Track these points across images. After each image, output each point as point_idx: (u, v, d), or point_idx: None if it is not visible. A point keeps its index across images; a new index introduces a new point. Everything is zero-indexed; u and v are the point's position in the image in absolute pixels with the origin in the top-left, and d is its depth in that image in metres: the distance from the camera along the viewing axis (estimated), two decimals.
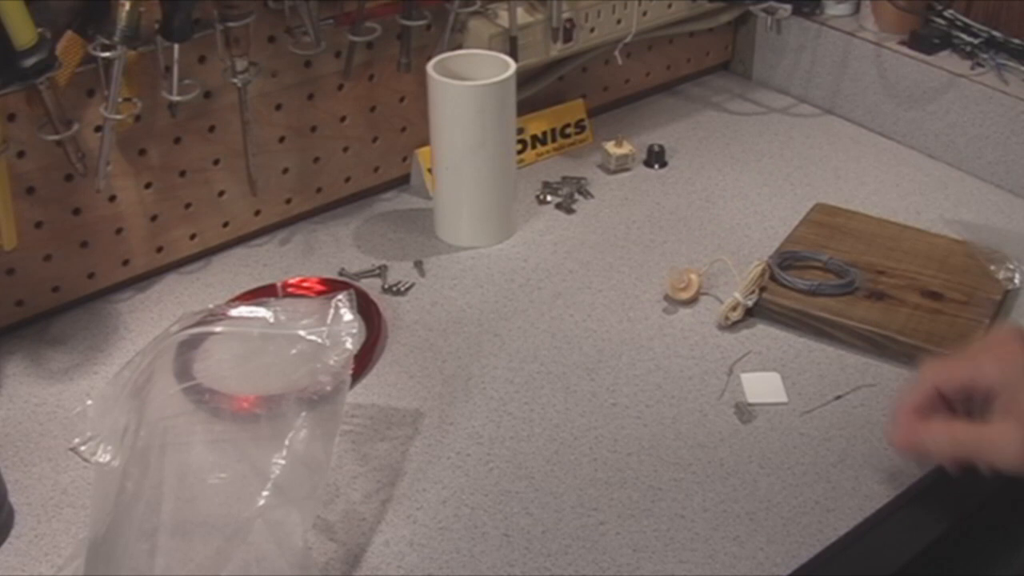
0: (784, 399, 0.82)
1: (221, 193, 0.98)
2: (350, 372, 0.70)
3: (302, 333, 0.71)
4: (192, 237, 0.98)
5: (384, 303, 0.93)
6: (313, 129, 1.01)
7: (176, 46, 0.85)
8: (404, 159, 1.09)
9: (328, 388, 0.69)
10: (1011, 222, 1.04)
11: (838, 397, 0.83)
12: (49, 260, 0.90)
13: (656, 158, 1.14)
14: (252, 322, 0.73)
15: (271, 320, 0.72)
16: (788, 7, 1.16)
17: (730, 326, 0.90)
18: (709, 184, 1.11)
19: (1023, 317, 0.91)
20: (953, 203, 1.07)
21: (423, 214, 1.05)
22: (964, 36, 1.13)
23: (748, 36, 1.30)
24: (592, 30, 1.10)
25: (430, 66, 0.96)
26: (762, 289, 0.90)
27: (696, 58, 1.29)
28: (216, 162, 0.96)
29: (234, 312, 0.74)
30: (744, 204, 1.07)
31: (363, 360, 0.85)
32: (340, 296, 0.72)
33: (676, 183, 1.11)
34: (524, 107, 1.08)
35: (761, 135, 1.20)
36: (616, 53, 1.12)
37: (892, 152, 1.16)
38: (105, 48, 0.81)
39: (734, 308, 0.89)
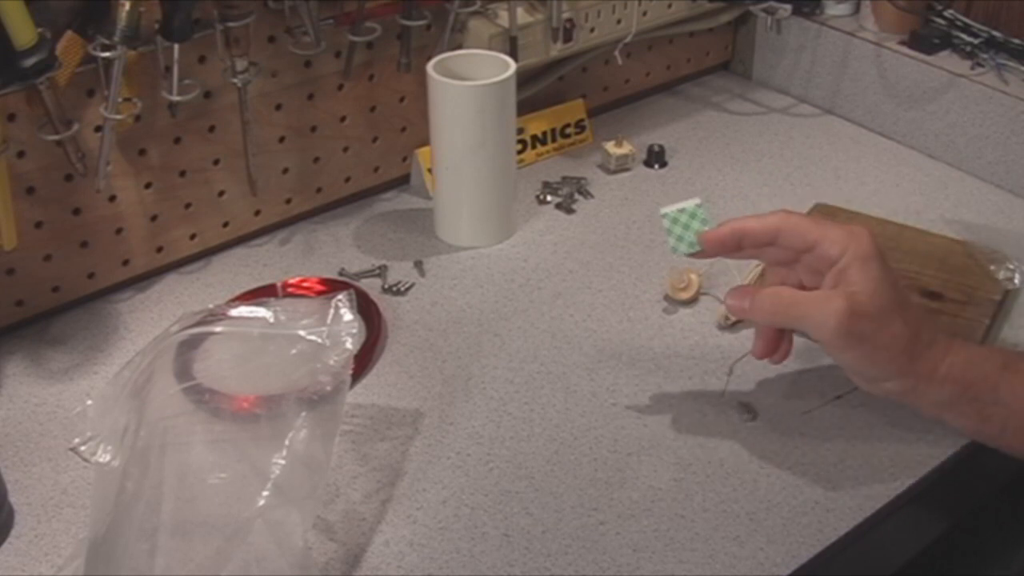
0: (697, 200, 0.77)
1: (221, 193, 0.98)
2: (350, 372, 0.70)
3: (302, 333, 0.71)
4: (192, 237, 0.98)
5: (384, 303, 0.93)
6: (313, 129, 1.01)
7: (176, 46, 0.85)
8: (404, 159, 1.09)
9: (328, 388, 0.69)
10: (1011, 222, 1.04)
11: (838, 397, 0.83)
12: (49, 260, 0.90)
13: (656, 158, 1.14)
14: (252, 322, 0.73)
15: (271, 320, 0.72)
16: (788, 7, 1.16)
17: (730, 326, 0.90)
18: (709, 184, 1.11)
19: (1023, 317, 0.91)
20: (953, 203, 1.07)
21: (423, 214, 1.05)
22: (964, 36, 1.13)
23: (748, 36, 1.30)
24: (592, 30, 1.10)
25: (430, 66, 0.96)
26: None
27: (696, 58, 1.29)
28: (216, 162, 0.96)
29: (234, 312, 0.74)
30: (744, 204, 1.07)
31: (363, 360, 0.85)
32: (340, 296, 0.72)
33: (676, 183, 1.11)
34: (524, 107, 1.08)
35: (761, 135, 1.20)
36: (616, 53, 1.12)
37: (892, 152, 1.16)
38: (105, 48, 0.81)
39: None
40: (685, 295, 0.92)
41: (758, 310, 0.73)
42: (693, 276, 0.92)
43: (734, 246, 0.74)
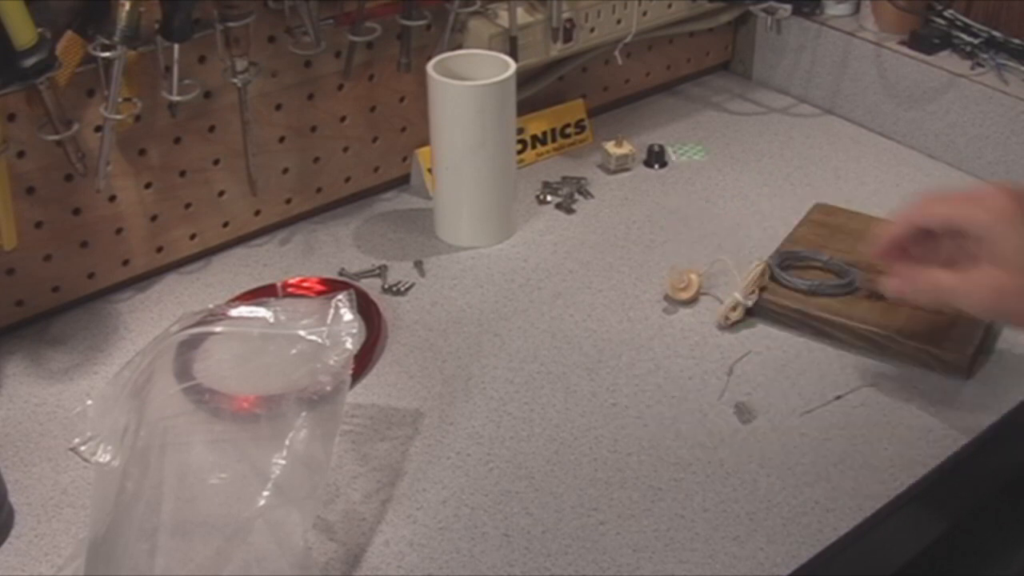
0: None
1: (221, 193, 0.98)
2: (350, 372, 0.70)
3: (302, 333, 0.71)
4: (192, 237, 0.98)
5: (384, 303, 0.93)
6: (313, 129, 1.01)
7: (176, 46, 0.85)
8: (404, 159, 1.09)
9: (328, 388, 0.69)
10: None
11: (838, 397, 0.83)
12: (49, 260, 0.90)
13: (656, 158, 1.14)
14: (252, 322, 0.73)
15: (271, 320, 0.72)
16: (788, 7, 1.16)
17: (730, 326, 0.90)
18: (709, 184, 1.11)
19: None
20: None
21: (423, 214, 1.05)
22: (964, 36, 1.13)
23: (748, 36, 1.30)
24: (592, 30, 1.10)
25: (430, 66, 0.96)
26: (762, 289, 0.90)
27: (696, 58, 1.29)
28: (216, 162, 0.96)
29: (234, 312, 0.74)
30: (744, 204, 1.07)
31: (363, 360, 0.85)
32: (340, 296, 0.72)
33: (676, 183, 1.11)
34: (524, 107, 1.08)
35: (761, 135, 1.20)
36: (616, 53, 1.12)
37: (892, 152, 1.16)
38: (105, 48, 0.81)
39: (734, 308, 0.89)
40: (685, 295, 0.92)
41: (919, 295, 0.78)
42: (693, 276, 0.92)
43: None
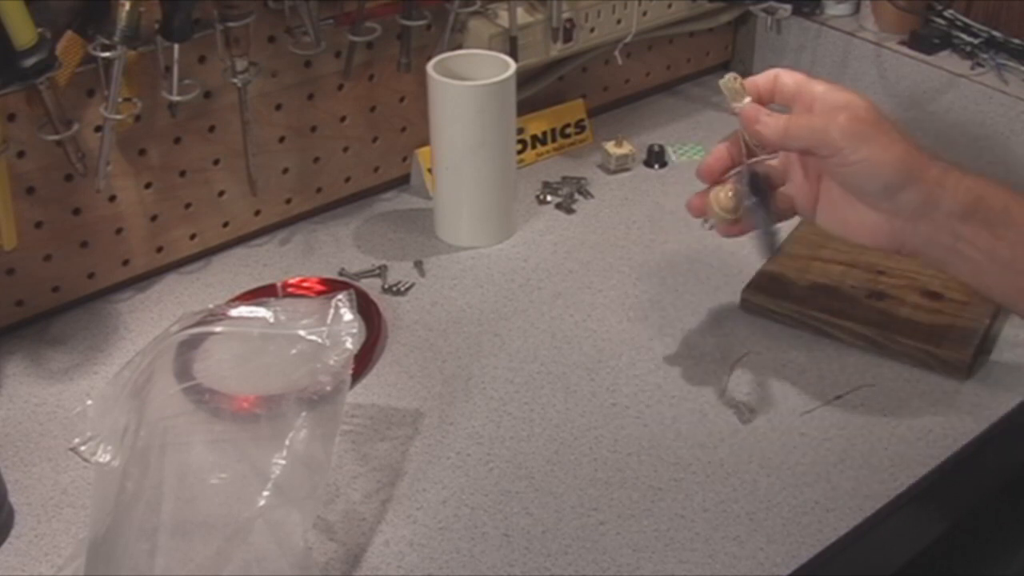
0: None
1: (221, 193, 0.98)
2: (350, 372, 0.70)
3: (302, 333, 0.71)
4: (192, 237, 0.98)
5: (384, 303, 0.93)
6: (313, 129, 1.01)
7: (176, 46, 0.85)
8: (404, 159, 1.09)
9: (328, 388, 0.69)
10: None
11: (838, 397, 0.83)
12: (49, 260, 0.90)
13: (656, 158, 1.14)
14: (252, 322, 0.73)
15: (271, 320, 0.72)
16: (788, 7, 1.16)
17: (709, 229, 0.85)
18: None
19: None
20: None
21: (423, 214, 1.05)
22: (964, 36, 1.13)
23: (748, 36, 1.30)
24: (592, 30, 1.10)
25: (430, 66, 0.96)
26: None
27: (696, 58, 1.29)
28: (216, 162, 0.96)
29: (234, 312, 0.74)
30: None
31: (363, 360, 0.85)
32: (340, 296, 0.72)
33: (676, 183, 1.11)
34: (524, 107, 1.08)
35: None
36: (616, 53, 1.12)
37: None
38: (105, 48, 0.81)
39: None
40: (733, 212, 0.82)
41: (772, 127, 0.77)
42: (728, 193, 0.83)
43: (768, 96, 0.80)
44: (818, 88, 0.77)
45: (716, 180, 0.81)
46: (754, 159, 0.80)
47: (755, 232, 0.80)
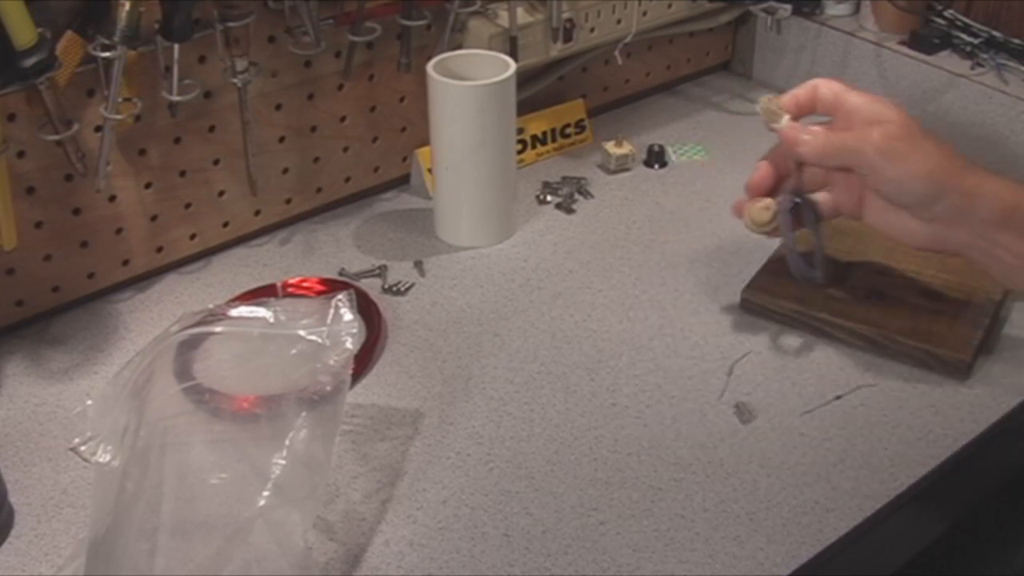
0: None
1: (221, 193, 0.98)
2: (350, 372, 0.70)
3: (302, 333, 0.71)
4: (192, 237, 0.98)
5: (384, 303, 0.93)
6: (313, 129, 1.01)
7: (176, 46, 0.85)
8: (404, 159, 1.09)
9: (328, 388, 0.69)
10: None
11: (838, 397, 0.83)
12: (49, 260, 0.90)
13: (656, 158, 1.14)
14: (252, 322, 0.73)
15: (271, 320, 0.72)
16: (788, 7, 1.16)
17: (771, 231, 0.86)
18: (709, 184, 1.11)
19: (1023, 317, 0.91)
20: None
21: (423, 214, 1.05)
22: (964, 36, 1.13)
23: (748, 36, 1.30)
24: (592, 30, 1.10)
25: (430, 66, 0.96)
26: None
27: (696, 58, 1.29)
28: (216, 162, 0.96)
29: (234, 312, 0.74)
30: None
31: (363, 360, 0.85)
32: (340, 296, 0.72)
33: (676, 183, 1.11)
34: (524, 107, 1.08)
35: (761, 135, 1.19)
36: (616, 53, 1.12)
37: None
38: (105, 48, 0.81)
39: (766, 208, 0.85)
40: (765, 221, 0.86)
41: (811, 146, 0.80)
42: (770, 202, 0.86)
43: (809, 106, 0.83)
44: (853, 100, 0.80)
45: (763, 195, 0.85)
46: (791, 190, 0.84)
47: (792, 257, 0.86)
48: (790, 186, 0.84)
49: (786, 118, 0.82)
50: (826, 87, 0.82)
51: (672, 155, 1.15)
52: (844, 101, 0.80)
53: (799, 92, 0.83)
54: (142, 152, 0.92)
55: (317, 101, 1.00)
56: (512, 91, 0.96)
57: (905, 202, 0.79)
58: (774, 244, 0.98)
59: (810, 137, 0.81)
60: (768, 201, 0.85)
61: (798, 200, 0.84)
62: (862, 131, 0.78)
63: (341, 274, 0.97)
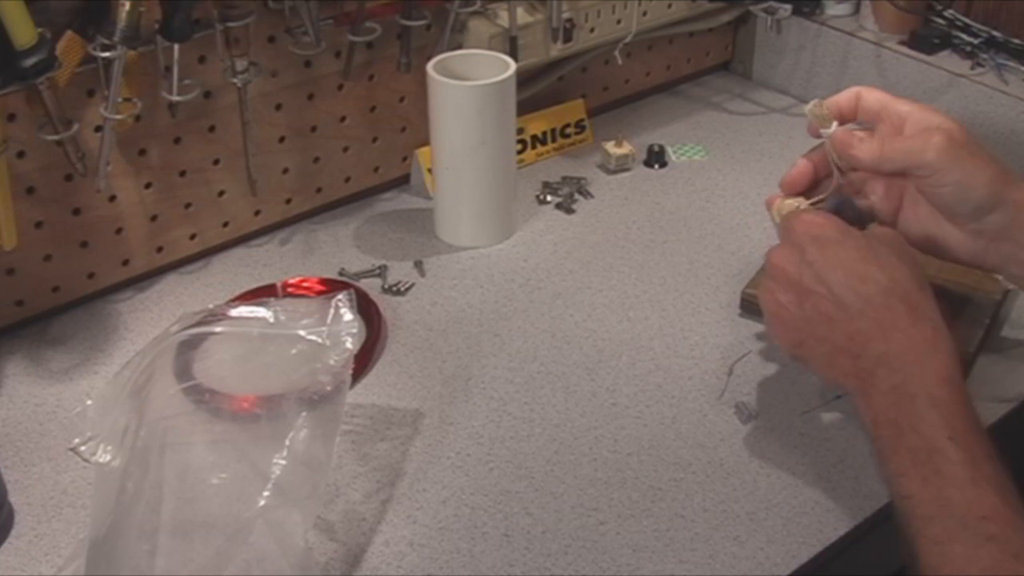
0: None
1: (221, 193, 0.98)
2: (350, 372, 0.71)
3: (302, 333, 0.71)
4: (192, 237, 0.98)
5: (384, 303, 0.93)
6: (313, 129, 1.01)
7: (176, 46, 0.85)
8: (404, 159, 1.09)
9: (328, 388, 0.69)
10: None
11: (838, 397, 0.83)
12: (49, 260, 0.90)
13: (656, 158, 1.14)
14: (252, 322, 0.73)
15: (271, 320, 0.72)
16: (788, 7, 1.16)
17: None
18: (709, 184, 1.11)
19: (1023, 317, 0.91)
20: None
21: (423, 214, 1.05)
22: (964, 36, 1.13)
23: (748, 36, 1.30)
24: (592, 30, 1.10)
25: (430, 66, 0.96)
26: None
27: (696, 58, 1.29)
28: (216, 162, 0.96)
29: (234, 312, 0.74)
30: (744, 204, 1.07)
31: (363, 360, 0.85)
32: (340, 296, 0.72)
33: (676, 183, 1.11)
34: (524, 107, 1.08)
35: (761, 135, 1.20)
36: (616, 53, 1.12)
37: None
38: (105, 48, 0.81)
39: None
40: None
41: (868, 151, 0.78)
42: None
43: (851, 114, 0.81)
44: (905, 108, 0.78)
45: (798, 193, 0.83)
46: (837, 192, 0.82)
47: None
48: (835, 188, 0.83)
49: (835, 123, 0.82)
50: (870, 95, 0.80)
51: (672, 155, 1.15)
52: (893, 109, 0.79)
53: (841, 99, 0.81)
54: (142, 152, 0.92)
55: (317, 101, 1.00)
56: (512, 91, 0.96)
57: (960, 210, 0.77)
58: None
59: (866, 143, 0.79)
60: (800, 199, 0.83)
61: (841, 203, 0.83)
62: (923, 135, 0.77)
63: (341, 274, 0.97)
